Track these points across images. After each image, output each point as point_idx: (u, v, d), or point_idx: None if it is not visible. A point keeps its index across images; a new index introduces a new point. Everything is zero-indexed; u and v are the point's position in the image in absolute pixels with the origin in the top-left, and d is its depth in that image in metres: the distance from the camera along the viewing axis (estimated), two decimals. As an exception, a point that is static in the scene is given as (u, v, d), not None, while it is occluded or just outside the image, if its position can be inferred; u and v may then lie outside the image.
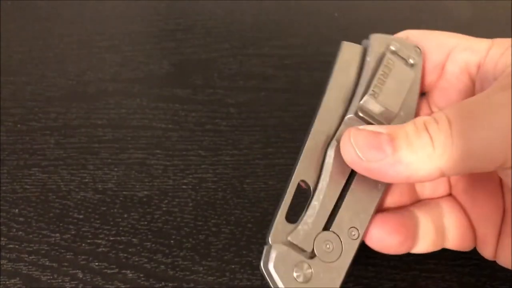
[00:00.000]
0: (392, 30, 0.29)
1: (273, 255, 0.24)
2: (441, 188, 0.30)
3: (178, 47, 0.45)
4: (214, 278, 0.31)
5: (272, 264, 0.24)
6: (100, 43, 0.46)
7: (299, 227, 0.26)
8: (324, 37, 0.45)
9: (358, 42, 0.29)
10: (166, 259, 0.32)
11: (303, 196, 0.35)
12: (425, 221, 0.28)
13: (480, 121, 0.21)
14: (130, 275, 0.31)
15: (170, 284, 0.31)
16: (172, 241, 0.32)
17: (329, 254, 0.25)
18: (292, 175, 0.27)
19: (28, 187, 0.35)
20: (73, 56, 0.44)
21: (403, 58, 0.27)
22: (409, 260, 0.31)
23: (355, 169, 0.24)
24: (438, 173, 0.22)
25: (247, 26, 0.47)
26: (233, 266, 0.31)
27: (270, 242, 0.25)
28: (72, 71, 0.43)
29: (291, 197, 0.26)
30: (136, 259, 0.32)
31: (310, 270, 0.25)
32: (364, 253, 0.31)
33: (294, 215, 0.27)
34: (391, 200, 0.29)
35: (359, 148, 0.23)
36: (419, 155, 0.21)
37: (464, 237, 0.28)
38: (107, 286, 0.30)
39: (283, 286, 0.24)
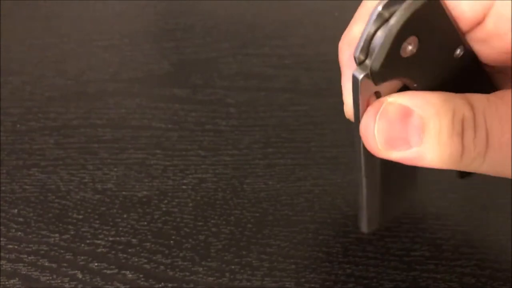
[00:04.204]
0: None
1: None
2: None
3: (178, 47, 0.45)
4: (214, 279, 0.31)
5: None
6: (100, 43, 0.45)
7: None
8: (324, 37, 0.45)
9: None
10: (165, 260, 0.32)
11: (303, 196, 0.35)
12: None
13: None
14: (130, 275, 0.31)
15: (169, 285, 0.30)
16: (171, 242, 0.32)
17: None
18: None
19: (27, 187, 0.35)
20: (73, 56, 0.44)
21: None
22: (409, 261, 0.31)
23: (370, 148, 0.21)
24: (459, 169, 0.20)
25: (247, 26, 0.47)
26: (233, 267, 0.31)
27: None
28: (72, 71, 0.43)
29: None
30: (136, 259, 0.32)
31: None
32: (365, 253, 0.31)
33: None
34: None
35: (382, 140, 0.20)
36: (444, 157, 0.19)
37: None
38: (106, 286, 0.30)
39: None
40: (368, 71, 0.20)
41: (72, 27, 0.47)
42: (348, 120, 0.26)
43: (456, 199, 0.34)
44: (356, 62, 0.20)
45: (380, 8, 0.19)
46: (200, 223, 0.33)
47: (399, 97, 0.20)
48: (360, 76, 0.20)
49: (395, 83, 0.21)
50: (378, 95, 0.22)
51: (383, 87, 0.21)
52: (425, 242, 0.32)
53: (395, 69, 0.20)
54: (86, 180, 0.36)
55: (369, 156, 0.22)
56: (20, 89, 0.42)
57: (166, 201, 0.34)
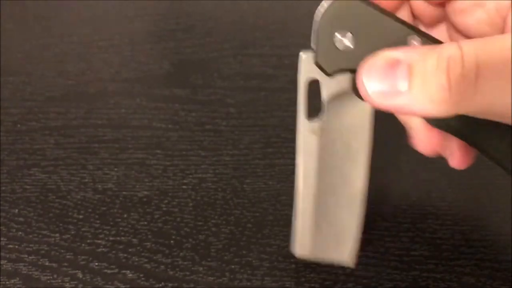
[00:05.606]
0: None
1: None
2: None
3: (178, 47, 0.45)
4: (214, 278, 0.31)
5: None
6: (100, 43, 0.45)
7: None
8: (324, 37, 0.45)
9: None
10: (166, 259, 0.32)
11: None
12: None
13: None
14: (130, 275, 0.31)
15: (170, 284, 0.31)
16: (172, 241, 0.32)
17: None
18: None
19: (27, 187, 0.35)
20: (73, 56, 0.44)
21: None
22: (409, 260, 0.31)
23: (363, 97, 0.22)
24: (451, 114, 0.20)
25: (247, 26, 0.47)
26: (233, 266, 0.31)
27: None
28: (72, 71, 0.43)
29: None
30: (136, 259, 0.32)
31: None
32: (364, 253, 0.32)
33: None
34: None
35: (372, 90, 0.21)
36: (432, 97, 0.20)
37: None
38: (107, 286, 0.30)
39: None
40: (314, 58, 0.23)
41: (72, 27, 0.47)
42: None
43: (456, 199, 0.34)
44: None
45: (322, 4, 0.22)
46: (200, 223, 0.33)
47: (389, 51, 0.21)
48: (304, 56, 0.24)
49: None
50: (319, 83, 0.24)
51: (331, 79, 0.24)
52: (424, 241, 0.32)
53: (339, 61, 0.23)
54: (86, 180, 0.36)
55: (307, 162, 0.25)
56: (21, 89, 0.42)
57: (166, 201, 0.34)
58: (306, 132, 0.25)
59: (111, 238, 0.33)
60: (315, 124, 0.25)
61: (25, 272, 0.31)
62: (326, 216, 0.27)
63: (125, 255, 0.32)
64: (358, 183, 0.27)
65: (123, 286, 0.30)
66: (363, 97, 0.21)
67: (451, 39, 0.27)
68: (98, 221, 0.33)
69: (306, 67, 0.24)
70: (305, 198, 0.26)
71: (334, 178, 0.26)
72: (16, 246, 0.32)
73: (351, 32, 0.22)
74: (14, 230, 0.33)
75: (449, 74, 0.19)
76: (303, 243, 0.27)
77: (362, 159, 0.26)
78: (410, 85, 0.20)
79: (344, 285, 0.30)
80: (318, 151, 0.25)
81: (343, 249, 0.28)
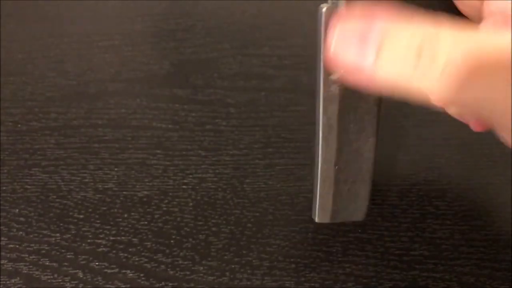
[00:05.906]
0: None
1: None
2: None
3: (178, 47, 0.45)
4: (214, 278, 0.31)
5: None
6: (100, 43, 0.46)
7: None
8: (324, 37, 0.45)
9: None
10: (166, 259, 0.32)
11: (303, 196, 0.35)
12: None
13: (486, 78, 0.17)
14: (130, 275, 0.31)
15: (170, 284, 0.31)
16: (172, 241, 0.33)
17: None
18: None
19: (28, 187, 0.35)
20: (73, 56, 0.44)
21: None
22: (409, 260, 0.31)
23: (327, 59, 0.21)
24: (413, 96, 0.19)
25: (247, 26, 0.47)
26: (233, 266, 0.31)
27: None
28: (72, 71, 0.43)
29: None
30: (136, 259, 0.32)
31: None
32: (364, 252, 0.32)
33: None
34: None
35: (339, 43, 0.20)
36: (395, 75, 0.18)
37: None
38: (107, 286, 0.31)
39: None
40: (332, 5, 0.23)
41: (72, 27, 0.47)
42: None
43: (456, 198, 0.34)
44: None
45: None
46: (200, 223, 0.33)
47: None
48: (324, 8, 0.23)
49: None
50: None
51: None
52: (424, 241, 0.32)
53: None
54: (87, 180, 0.36)
55: (328, 139, 0.25)
56: (21, 89, 0.42)
57: (166, 201, 0.34)
58: (326, 92, 0.24)
59: (111, 238, 0.33)
60: (335, 81, 0.24)
61: (25, 271, 0.31)
62: (344, 181, 0.28)
63: (126, 254, 0.32)
64: (371, 143, 0.27)
65: (124, 286, 0.31)
66: (327, 53, 0.20)
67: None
68: (98, 221, 0.33)
69: (327, 20, 0.23)
70: (325, 166, 0.27)
71: (350, 146, 0.26)
72: (17, 246, 0.32)
73: None
74: (14, 230, 0.33)
75: (420, 58, 0.18)
76: (324, 210, 0.28)
77: (372, 124, 0.26)
78: (378, 54, 0.19)
79: (344, 285, 0.30)
80: (337, 119, 0.25)
81: (357, 208, 0.29)
